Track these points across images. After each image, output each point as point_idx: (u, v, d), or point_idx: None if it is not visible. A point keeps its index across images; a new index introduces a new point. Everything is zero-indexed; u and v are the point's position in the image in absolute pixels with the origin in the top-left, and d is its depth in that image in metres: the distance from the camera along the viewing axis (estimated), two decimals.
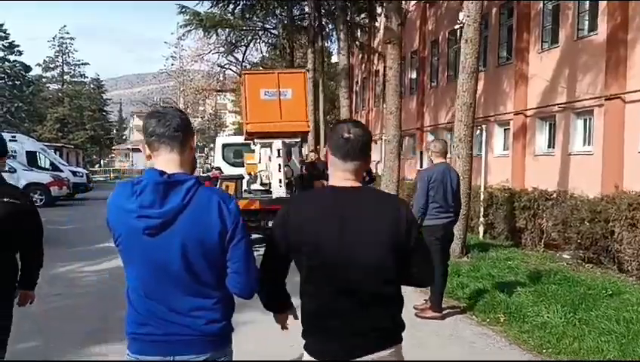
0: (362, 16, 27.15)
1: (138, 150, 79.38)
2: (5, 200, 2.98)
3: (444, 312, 6.16)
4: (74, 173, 24.82)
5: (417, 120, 24.16)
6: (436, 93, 22.71)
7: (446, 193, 6.03)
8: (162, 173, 2.06)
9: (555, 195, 11.35)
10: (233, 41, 27.79)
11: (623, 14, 11.92)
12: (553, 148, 14.77)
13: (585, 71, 13.27)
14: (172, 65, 43.19)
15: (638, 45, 11.59)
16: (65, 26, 60.59)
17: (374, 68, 30.49)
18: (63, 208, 19.85)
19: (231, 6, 23.58)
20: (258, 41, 30.51)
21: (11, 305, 3.22)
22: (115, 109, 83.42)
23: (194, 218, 2.03)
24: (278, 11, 25.55)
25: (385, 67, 28.69)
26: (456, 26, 11.11)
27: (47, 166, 23.68)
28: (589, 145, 13.52)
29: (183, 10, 25.55)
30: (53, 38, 58.16)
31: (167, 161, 2.11)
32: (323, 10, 24.03)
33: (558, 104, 14.26)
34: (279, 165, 9.87)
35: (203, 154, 75.32)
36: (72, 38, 58.83)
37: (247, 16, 24.39)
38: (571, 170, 13.61)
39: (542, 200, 11.47)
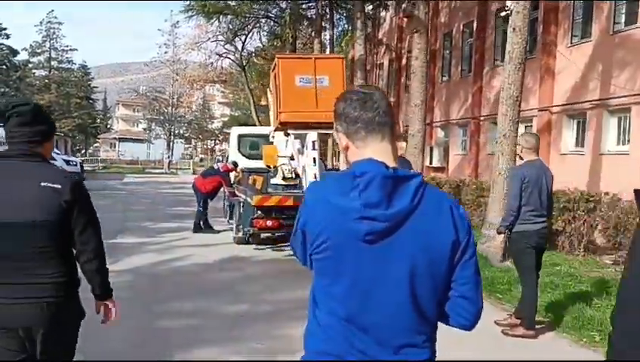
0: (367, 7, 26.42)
1: (125, 140, 78.05)
2: (43, 184, 2.44)
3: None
4: (67, 162, 23.76)
5: (426, 115, 23.44)
6: (448, 88, 22.03)
7: (541, 194, 5.32)
8: (386, 165, 1.62)
9: (597, 197, 10.71)
10: (235, 29, 26.84)
11: None
12: (582, 146, 14.16)
13: (622, 67, 12.66)
14: (165, 52, 42.05)
15: None
16: (52, 11, 58.92)
17: (378, 61, 29.76)
18: None
19: None
20: (259, 30, 29.66)
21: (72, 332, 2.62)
22: (99, 98, 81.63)
23: (423, 224, 1.61)
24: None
25: (389, 60, 28.19)
26: (503, 13, 10.28)
27: None
28: (623, 144, 12.93)
29: None
30: (41, 23, 56.54)
31: (379, 153, 1.69)
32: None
33: (589, 101, 13.64)
34: (314, 158, 9.08)
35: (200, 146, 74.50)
36: (59, 23, 57.29)
37: (252, 3, 23.40)
38: (603, 170, 13.01)
39: (582, 201, 10.82)
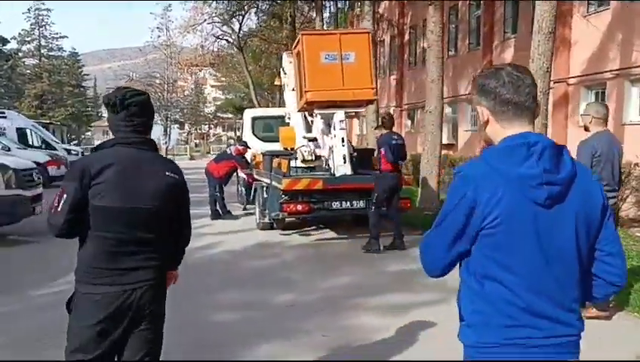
0: None
1: None
2: (167, 173, 2.63)
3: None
4: (68, 152, 23.28)
5: None
6: (455, 63, 21.61)
7: (613, 168, 5.03)
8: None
9: (626, 169, 10.46)
10: (233, 10, 26.22)
11: None
12: None
13: None
14: (159, 37, 41.23)
15: None
16: None
17: (380, 37, 29.28)
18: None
19: None
20: (257, 10, 29.03)
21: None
22: (90, 86, 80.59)
23: (582, 188, 1.76)
24: None
25: (391, 36, 27.70)
26: None
27: (39, 144, 22.11)
28: None
29: None
30: (29, 10, 55.32)
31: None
32: None
33: (610, 70, 13.33)
34: (342, 138, 8.76)
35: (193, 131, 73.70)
36: (48, 10, 56.12)
37: None
38: (626, 141, 12.75)
39: None
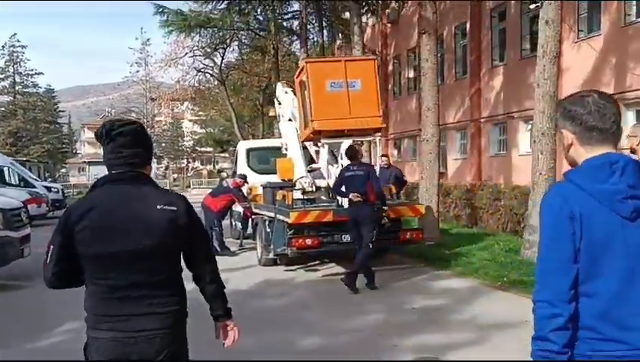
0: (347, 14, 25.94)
1: (95, 163, 75.96)
2: (160, 207, 2.35)
3: None
4: (48, 189, 22.52)
5: (419, 120, 23.05)
6: (442, 92, 21.48)
7: None
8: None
9: None
10: (216, 42, 26.06)
11: None
12: None
13: (638, 59, 12.40)
14: (137, 71, 40.85)
15: None
16: (15, 34, 56.85)
17: None
18: (42, 229, 17.65)
19: (218, 3, 21.86)
20: (239, 43, 28.91)
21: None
22: (65, 123, 79.42)
23: None
24: (262, 10, 23.88)
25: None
26: (532, 6, 9.85)
27: (16, 182, 21.35)
28: None
29: (161, 10, 23.71)
30: (3, 47, 54.49)
31: None
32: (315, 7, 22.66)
33: None
34: None
35: (161, 165, 72.85)
36: (23, 47, 55.34)
37: (235, 15, 22.60)
38: None
39: None
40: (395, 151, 26.66)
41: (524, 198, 13.20)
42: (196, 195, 41.10)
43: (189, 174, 70.36)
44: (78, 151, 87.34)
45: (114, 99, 50.09)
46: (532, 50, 16.60)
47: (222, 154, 74.19)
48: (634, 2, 12.88)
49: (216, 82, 33.55)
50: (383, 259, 9.43)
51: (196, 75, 31.00)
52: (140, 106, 44.59)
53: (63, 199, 23.16)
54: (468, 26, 19.42)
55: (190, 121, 74.56)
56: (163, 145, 55.80)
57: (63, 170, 76.32)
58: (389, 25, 26.17)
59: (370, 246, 7.58)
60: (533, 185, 9.60)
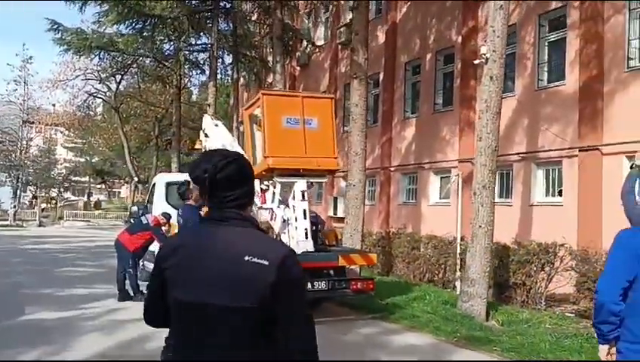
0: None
1: None
2: (248, 259, 1.93)
3: None
4: None
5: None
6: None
7: None
8: None
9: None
10: (116, 67, 24.53)
11: (599, 66, 12.06)
12: (510, 198, 14.42)
13: (550, 121, 13.21)
14: (15, 90, 37.40)
15: (616, 97, 11.73)
16: None
17: None
18: None
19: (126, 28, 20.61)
20: (139, 70, 27.45)
21: None
22: None
23: None
24: (173, 39, 22.96)
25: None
26: (477, 61, 10.08)
27: None
28: (552, 196, 13.38)
29: (56, 26, 21.89)
30: None
31: None
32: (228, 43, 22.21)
33: (517, 153, 14.05)
34: (304, 211, 7.87)
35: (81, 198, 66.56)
36: None
37: (141, 41, 21.41)
38: (533, 220, 13.32)
39: (542, 253, 10.79)
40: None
41: (442, 248, 13.38)
42: (70, 228, 37.79)
43: (60, 205, 64.93)
44: None
45: None
46: (445, 105, 17.30)
47: (98, 186, 69.67)
48: (546, 69, 13.82)
49: (106, 108, 31.59)
50: (322, 309, 8.86)
51: (87, 100, 28.92)
52: (15, 127, 40.55)
53: None
54: (381, 76, 19.89)
55: (65, 148, 69.48)
56: (36, 172, 51.04)
57: None
58: (297, 67, 26.23)
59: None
60: (472, 237, 9.60)
